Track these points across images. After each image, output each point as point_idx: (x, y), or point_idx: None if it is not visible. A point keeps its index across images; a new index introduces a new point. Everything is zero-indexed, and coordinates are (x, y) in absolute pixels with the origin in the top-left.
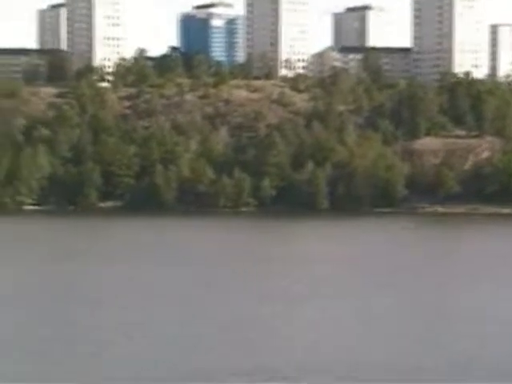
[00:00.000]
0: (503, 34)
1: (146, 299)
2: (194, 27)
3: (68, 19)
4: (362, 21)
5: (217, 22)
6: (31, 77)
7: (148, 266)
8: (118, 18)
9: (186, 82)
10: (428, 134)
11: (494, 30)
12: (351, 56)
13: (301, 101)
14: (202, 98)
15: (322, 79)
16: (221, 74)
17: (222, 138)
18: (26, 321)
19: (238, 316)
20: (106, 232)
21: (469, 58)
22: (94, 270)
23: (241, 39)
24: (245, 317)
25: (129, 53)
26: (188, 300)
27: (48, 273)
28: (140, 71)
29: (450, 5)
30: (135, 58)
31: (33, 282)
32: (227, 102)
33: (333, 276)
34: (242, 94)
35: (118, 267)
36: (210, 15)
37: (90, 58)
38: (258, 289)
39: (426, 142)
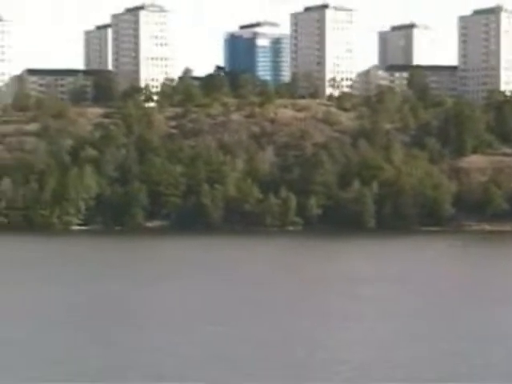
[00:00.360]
0: None
1: (195, 318)
2: (239, 47)
3: (114, 39)
4: (408, 39)
5: (262, 42)
6: (78, 97)
7: (198, 285)
8: (164, 37)
9: (232, 101)
10: (475, 151)
11: None
12: (397, 74)
13: (347, 119)
14: (248, 117)
15: (367, 98)
16: (266, 94)
17: (268, 158)
18: (76, 342)
19: (289, 334)
20: (154, 252)
21: None
22: (145, 290)
23: (286, 58)
24: (297, 334)
25: (175, 72)
26: (240, 319)
27: (98, 292)
28: (186, 91)
29: (497, 22)
30: (181, 78)
31: (82, 301)
32: (273, 121)
33: (383, 296)
34: (288, 113)
35: (168, 286)
36: (256, 35)
37: (136, 78)
38: (310, 308)
39: (473, 160)
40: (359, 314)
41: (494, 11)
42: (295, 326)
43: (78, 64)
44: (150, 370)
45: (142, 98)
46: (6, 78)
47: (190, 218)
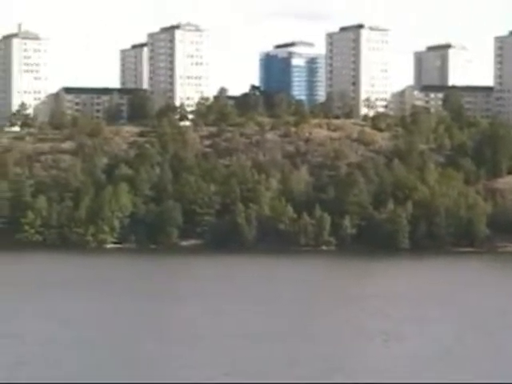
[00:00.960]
0: None
1: (238, 337)
2: (274, 66)
3: (149, 58)
4: (443, 59)
5: (297, 61)
6: (113, 116)
7: (235, 304)
8: (199, 56)
9: (266, 120)
10: (510, 172)
11: None
12: (432, 95)
13: (381, 139)
14: (282, 136)
15: (402, 118)
16: (301, 113)
17: (302, 177)
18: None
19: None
20: (189, 270)
21: None
22: (180, 308)
23: (321, 78)
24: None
25: (210, 91)
26: (284, 337)
27: (136, 311)
28: (221, 110)
29: None
30: (216, 97)
31: (121, 320)
32: (307, 140)
33: (420, 316)
34: (323, 132)
35: (205, 305)
36: (291, 54)
37: (171, 97)
38: (350, 327)
39: (508, 181)
40: (404, 335)
41: None
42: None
43: (114, 83)
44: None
45: (177, 116)
46: (43, 96)
47: (224, 237)
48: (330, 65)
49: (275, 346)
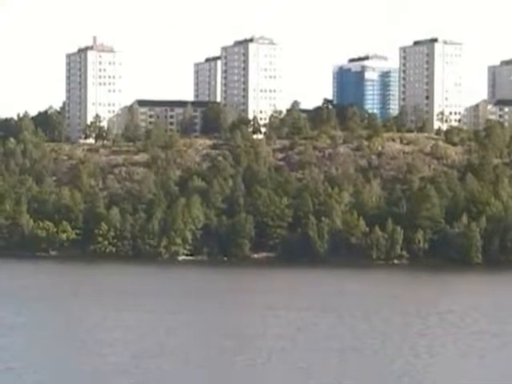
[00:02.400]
0: None
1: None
2: (348, 80)
3: (223, 71)
4: None
5: (371, 75)
6: (186, 128)
7: (311, 315)
8: (273, 70)
9: (339, 134)
10: None
11: None
12: (506, 109)
13: (455, 154)
14: (355, 150)
15: (476, 132)
16: (374, 127)
17: (374, 191)
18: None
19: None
20: (262, 283)
21: None
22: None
23: (394, 91)
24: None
25: (283, 105)
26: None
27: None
28: (294, 123)
29: None
30: (289, 111)
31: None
32: (380, 154)
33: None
34: (395, 146)
35: (283, 316)
36: (364, 68)
37: (244, 110)
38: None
39: None
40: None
41: None
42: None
43: (188, 95)
44: None
45: (250, 129)
46: (117, 108)
47: (296, 249)
48: (404, 78)
49: (367, 360)
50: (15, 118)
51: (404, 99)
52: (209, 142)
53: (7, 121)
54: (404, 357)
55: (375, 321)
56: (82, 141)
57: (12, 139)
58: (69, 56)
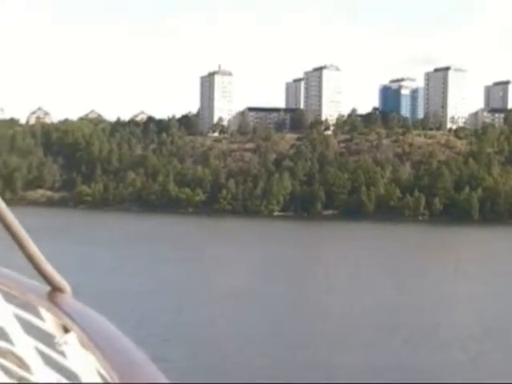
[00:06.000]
0: None
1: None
2: (389, 94)
3: (305, 89)
4: (505, 90)
5: (405, 91)
6: (280, 127)
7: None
8: (339, 87)
9: (383, 131)
10: None
11: None
12: (497, 115)
13: (461, 145)
14: (393, 142)
15: (475, 131)
16: (407, 127)
17: (406, 169)
18: None
19: None
20: (332, 232)
21: None
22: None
23: (421, 103)
24: None
25: (345, 111)
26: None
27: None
28: (352, 124)
29: None
30: (349, 115)
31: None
32: (410, 145)
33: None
34: (421, 140)
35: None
36: (400, 86)
37: (319, 115)
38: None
39: None
40: None
41: None
42: None
43: (280, 104)
44: None
45: (323, 128)
46: (233, 113)
47: (353, 209)
48: (427, 94)
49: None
50: (165, 118)
51: (427, 108)
52: (294, 136)
53: (161, 121)
54: None
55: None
56: (210, 134)
57: (164, 134)
58: (202, 78)
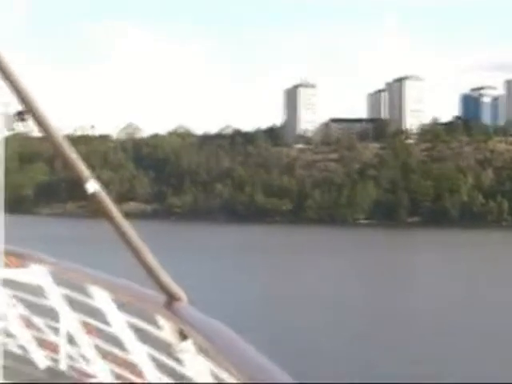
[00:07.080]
0: None
1: None
2: (470, 103)
3: (388, 99)
4: None
5: (485, 99)
6: (363, 136)
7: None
8: (420, 97)
9: (464, 138)
10: None
11: None
12: None
13: None
14: (475, 149)
15: None
16: (488, 133)
17: (488, 175)
18: None
19: None
20: (417, 238)
21: None
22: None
23: (503, 110)
24: None
25: (426, 120)
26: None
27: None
28: (434, 132)
29: None
30: (431, 124)
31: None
32: (492, 151)
33: None
34: (502, 146)
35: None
36: (481, 95)
37: (400, 124)
38: None
39: None
40: None
41: None
42: None
43: (363, 114)
44: None
45: (404, 136)
46: (317, 124)
47: (437, 215)
48: (508, 101)
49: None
50: (251, 131)
51: (508, 115)
52: (377, 145)
53: (247, 133)
54: None
55: None
56: (294, 145)
57: (250, 146)
58: (286, 90)
